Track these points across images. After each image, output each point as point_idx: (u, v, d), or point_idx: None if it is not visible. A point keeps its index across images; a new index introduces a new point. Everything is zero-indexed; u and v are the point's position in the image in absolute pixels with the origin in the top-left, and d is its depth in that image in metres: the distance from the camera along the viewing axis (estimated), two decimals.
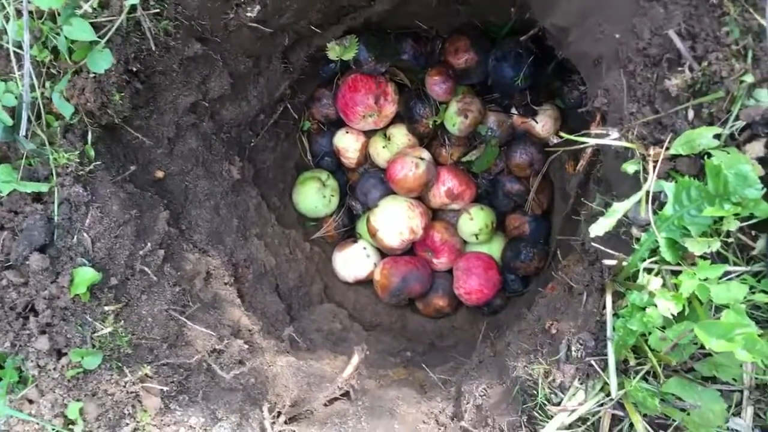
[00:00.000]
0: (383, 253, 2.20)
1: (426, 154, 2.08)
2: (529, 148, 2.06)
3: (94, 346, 1.25)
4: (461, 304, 2.19)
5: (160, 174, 1.56)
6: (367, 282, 2.21)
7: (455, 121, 2.04)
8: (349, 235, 2.28)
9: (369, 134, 2.19)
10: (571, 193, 1.66)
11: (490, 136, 2.08)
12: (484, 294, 2.07)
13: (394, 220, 2.06)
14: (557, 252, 1.88)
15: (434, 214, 2.22)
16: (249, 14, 1.49)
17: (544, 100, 2.05)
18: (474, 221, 2.12)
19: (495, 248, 2.17)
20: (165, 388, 1.30)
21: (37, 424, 1.19)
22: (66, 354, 1.23)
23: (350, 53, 1.88)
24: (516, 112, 2.07)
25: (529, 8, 1.47)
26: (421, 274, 2.11)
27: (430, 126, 2.06)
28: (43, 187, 1.24)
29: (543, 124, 2.04)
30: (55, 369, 1.22)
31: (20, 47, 1.23)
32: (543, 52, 1.88)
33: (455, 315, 2.22)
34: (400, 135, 2.13)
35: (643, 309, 1.05)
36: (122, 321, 1.29)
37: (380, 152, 2.14)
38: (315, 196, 2.17)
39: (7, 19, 1.22)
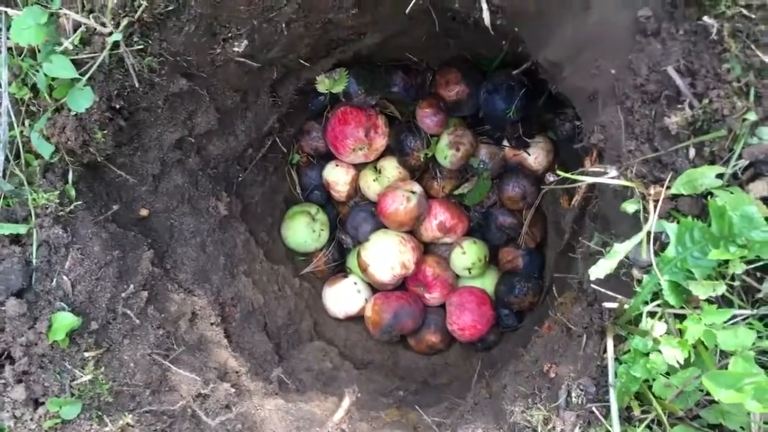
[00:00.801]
0: (374, 288, 2.15)
1: (417, 188, 2.05)
2: (521, 180, 2.03)
3: (73, 395, 1.20)
4: (454, 340, 2.15)
5: (144, 212, 1.52)
6: (358, 318, 2.16)
7: (447, 153, 2.01)
8: (339, 270, 2.24)
9: (359, 167, 2.16)
10: (566, 228, 1.63)
11: (482, 168, 2.05)
12: (477, 330, 2.02)
13: (386, 255, 2.02)
14: (552, 287, 1.84)
15: (426, 248, 2.18)
16: (236, 49, 1.46)
17: (536, 132, 2.03)
18: (466, 255, 2.08)
19: (488, 282, 2.13)
20: None
21: None
22: (43, 403, 1.18)
23: (340, 86, 1.86)
24: (508, 145, 2.05)
25: (521, 42, 1.45)
26: (413, 310, 2.07)
27: (422, 159, 2.03)
28: (21, 229, 1.20)
29: (535, 156, 2.02)
30: (32, 419, 1.17)
31: None
32: (534, 85, 1.86)
33: (448, 351, 2.18)
34: (391, 168, 2.10)
35: (647, 354, 1.01)
36: (103, 367, 1.25)
37: (371, 185, 2.11)
38: (304, 230, 2.13)
39: None
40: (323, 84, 1.85)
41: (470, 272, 2.10)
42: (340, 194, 2.17)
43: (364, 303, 2.13)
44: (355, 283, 2.14)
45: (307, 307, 2.10)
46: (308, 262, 2.20)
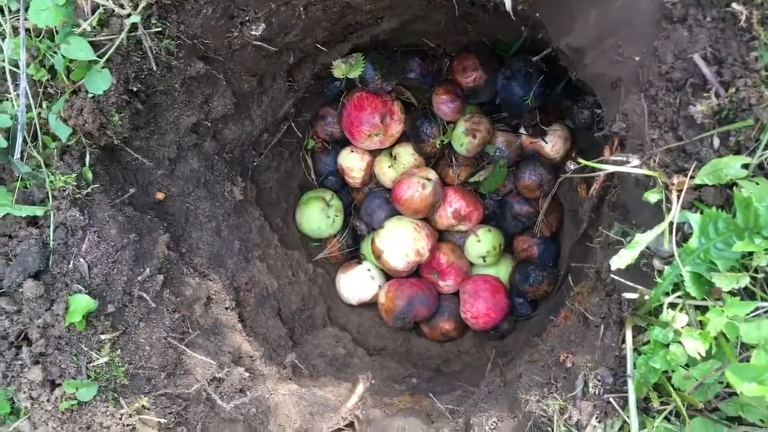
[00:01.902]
0: (388, 275, 2.15)
1: (433, 175, 2.04)
2: (538, 168, 2.01)
3: (89, 377, 1.20)
4: (467, 328, 2.14)
5: (160, 196, 1.52)
6: (372, 304, 2.16)
7: (463, 141, 1.99)
8: (353, 256, 2.24)
9: (374, 153, 2.15)
10: (583, 218, 1.61)
11: (499, 156, 2.04)
12: (491, 318, 2.02)
13: (400, 242, 2.01)
14: (568, 276, 1.83)
15: (440, 236, 2.17)
16: (254, 33, 1.45)
17: (554, 119, 2.01)
18: (481, 243, 2.07)
19: (503, 271, 2.12)
20: (163, 420, 1.26)
21: None
22: (60, 385, 1.19)
23: (356, 71, 1.85)
24: (525, 132, 2.03)
25: (542, 28, 1.43)
26: (427, 297, 2.06)
27: (437, 146, 2.02)
28: (39, 211, 1.21)
29: (552, 144, 2.00)
30: (48, 401, 1.17)
31: (16, 66, 1.19)
32: (553, 71, 1.84)
33: (461, 339, 2.17)
34: (407, 154, 2.09)
35: (667, 346, 1.00)
36: (119, 350, 1.25)
37: (386, 172, 2.10)
38: (319, 216, 2.12)
39: (3, 37, 1.19)
40: (339, 69, 1.84)
41: (485, 260, 2.09)
42: (355, 180, 2.16)
43: (377, 290, 2.13)
44: (369, 270, 2.14)
45: (320, 293, 2.10)
46: (322, 248, 2.20)
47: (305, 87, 1.90)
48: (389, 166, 2.09)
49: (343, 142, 2.15)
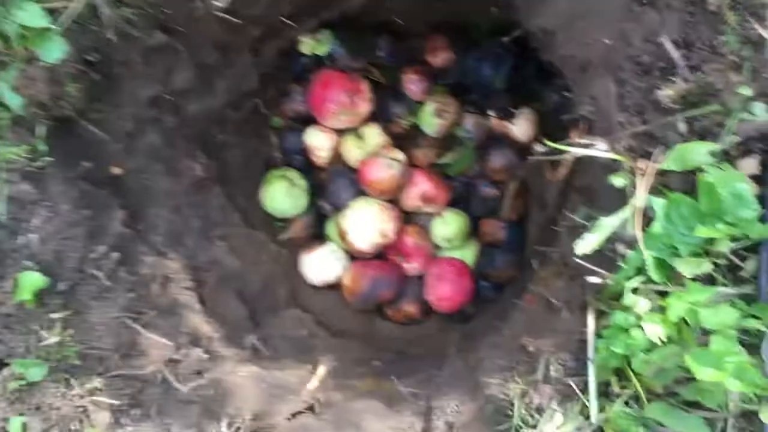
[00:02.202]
0: (353, 256, 2.13)
1: (400, 156, 2.01)
2: (506, 151, 2.01)
3: (39, 357, 1.17)
4: (432, 311, 2.13)
5: (117, 170, 1.47)
6: (336, 286, 2.14)
7: (431, 121, 1.97)
8: (317, 236, 2.21)
9: (341, 133, 2.11)
10: (549, 201, 1.61)
11: (467, 138, 2.03)
12: (455, 301, 2.01)
13: (365, 223, 1.99)
14: (533, 261, 1.82)
15: (406, 218, 2.15)
16: (217, 3, 1.41)
17: (523, 103, 2.00)
18: (447, 226, 2.06)
19: (468, 254, 2.11)
20: (116, 402, 1.23)
21: None
22: (8, 365, 1.16)
23: (324, 48, 1.82)
24: (494, 115, 2.01)
25: (513, 9, 1.42)
26: (392, 279, 2.05)
27: (405, 126, 1.99)
28: None
29: (521, 127, 1.98)
30: None
31: None
32: (523, 54, 1.83)
33: (425, 322, 2.16)
34: (374, 134, 2.06)
35: (627, 330, 1.00)
36: (71, 329, 1.22)
37: (352, 152, 2.07)
38: (283, 195, 2.09)
39: None
40: (307, 45, 1.81)
41: (450, 243, 2.08)
42: (321, 160, 2.12)
43: (341, 271, 2.10)
44: (334, 251, 2.11)
45: (284, 274, 2.06)
46: (286, 228, 2.17)
47: (271, 63, 1.86)
48: (356, 146, 2.07)
49: (309, 121, 2.10)
